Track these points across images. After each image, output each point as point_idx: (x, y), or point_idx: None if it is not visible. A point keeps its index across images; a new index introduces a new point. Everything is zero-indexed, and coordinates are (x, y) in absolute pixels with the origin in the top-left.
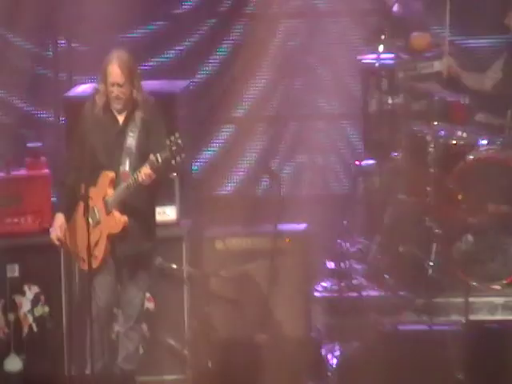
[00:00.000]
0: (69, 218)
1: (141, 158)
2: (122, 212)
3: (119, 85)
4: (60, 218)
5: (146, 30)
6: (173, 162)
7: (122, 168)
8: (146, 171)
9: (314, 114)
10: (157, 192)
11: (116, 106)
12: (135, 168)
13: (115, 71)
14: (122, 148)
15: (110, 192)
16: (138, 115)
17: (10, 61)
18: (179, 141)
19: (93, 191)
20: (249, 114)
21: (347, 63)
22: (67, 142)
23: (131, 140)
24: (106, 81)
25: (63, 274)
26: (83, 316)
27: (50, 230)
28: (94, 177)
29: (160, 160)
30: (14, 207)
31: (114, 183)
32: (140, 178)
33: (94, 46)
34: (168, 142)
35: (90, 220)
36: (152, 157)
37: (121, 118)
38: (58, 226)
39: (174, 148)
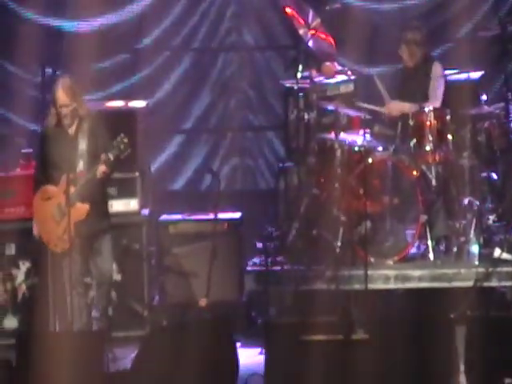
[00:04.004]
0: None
1: (92, 159)
2: (84, 202)
3: (66, 105)
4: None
5: (114, 61)
6: (121, 156)
7: (78, 169)
8: (102, 168)
9: (246, 126)
10: (107, 182)
11: (66, 121)
12: (88, 167)
13: (61, 95)
14: (75, 153)
15: (72, 189)
16: (85, 125)
17: (8, 85)
18: (125, 140)
19: (57, 190)
20: (195, 127)
21: (272, 86)
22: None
23: (82, 146)
24: (55, 104)
25: (49, 252)
26: (62, 286)
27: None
28: (57, 178)
29: (112, 158)
30: (11, 199)
31: (75, 181)
32: (98, 175)
33: (73, 74)
34: (115, 143)
35: (58, 213)
36: (104, 156)
37: (71, 130)
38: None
39: (121, 146)
